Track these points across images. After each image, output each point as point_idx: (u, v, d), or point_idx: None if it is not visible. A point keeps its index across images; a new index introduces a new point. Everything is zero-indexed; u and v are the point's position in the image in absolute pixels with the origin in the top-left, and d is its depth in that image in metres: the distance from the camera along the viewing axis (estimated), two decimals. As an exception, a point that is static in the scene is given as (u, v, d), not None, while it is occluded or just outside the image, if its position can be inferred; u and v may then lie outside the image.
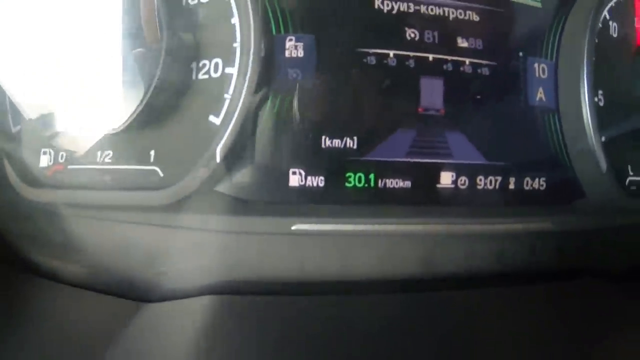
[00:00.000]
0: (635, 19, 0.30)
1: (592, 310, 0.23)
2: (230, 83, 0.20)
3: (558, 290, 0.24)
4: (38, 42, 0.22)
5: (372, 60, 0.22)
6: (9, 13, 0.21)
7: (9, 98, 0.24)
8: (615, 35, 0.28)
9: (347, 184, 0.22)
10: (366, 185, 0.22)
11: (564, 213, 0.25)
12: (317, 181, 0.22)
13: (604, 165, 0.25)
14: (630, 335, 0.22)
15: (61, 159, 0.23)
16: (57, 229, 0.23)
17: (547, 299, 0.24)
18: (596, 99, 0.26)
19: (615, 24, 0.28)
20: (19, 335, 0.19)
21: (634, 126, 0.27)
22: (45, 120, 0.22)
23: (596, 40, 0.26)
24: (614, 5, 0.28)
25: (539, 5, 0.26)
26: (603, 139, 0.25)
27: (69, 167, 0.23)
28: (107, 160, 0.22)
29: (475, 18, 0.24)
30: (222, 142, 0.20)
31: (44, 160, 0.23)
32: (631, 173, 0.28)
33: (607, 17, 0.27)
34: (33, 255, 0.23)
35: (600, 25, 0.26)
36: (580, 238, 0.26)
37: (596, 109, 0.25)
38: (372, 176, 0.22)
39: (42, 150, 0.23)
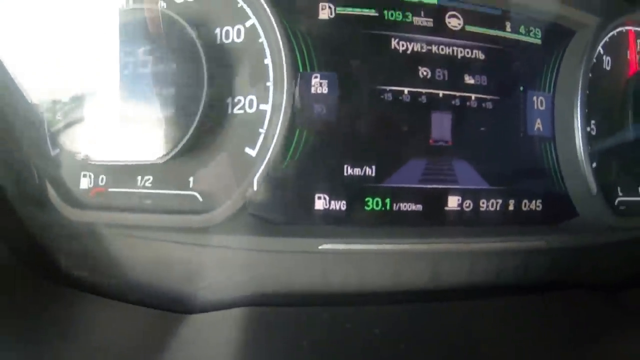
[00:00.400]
0: (629, 51, 0.36)
1: (583, 319, 0.29)
2: (264, 119, 0.26)
3: (553, 301, 0.31)
4: (87, 78, 0.26)
5: (388, 96, 0.28)
6: (61, 52, 0.26)
7: (47, 123, 0.28)
8: (608, 68, 0.35)
9: (366, 208, 0.28)
10: (383, 208, 0.28)
11: (557, 232, 0.31)
12: (340, 205, 0.28)
13: (594, 188, 0.31)
14: (619, 343, 0.28)
15: (101, 182, 0.28)
16: (99, 247, 0.28)
17: (543, 309, 0.30)
18: (589, 129, 0.32)
19: (608, 57, 0.35)
20: (66, 347, 0.24)
21: (624, 151, 0.33)
22: (87, 148, 0.27)
23: (590, 75, 0.32)
24: (607, 40, 0.34)
25: (538, 42, 0.32)
26: (594, 164, 0.32)
27: (110, 190, 0.28)
28: (147, 184, 0.27)
29: (481, 56, 0.30)
30: (259, 172, 0.25)
31: (84, 183, 0.28)
32: (620, 194, 0.35)
33: (601, 52, 0.34)
34: (76, 271, 0.28)
35: (594, 60, 0.33)
36: (573, 254, 0.32)
37: (588, 138, 0.32)
38: (388, 200, 0.28)
39: (82, 173, 0.28)
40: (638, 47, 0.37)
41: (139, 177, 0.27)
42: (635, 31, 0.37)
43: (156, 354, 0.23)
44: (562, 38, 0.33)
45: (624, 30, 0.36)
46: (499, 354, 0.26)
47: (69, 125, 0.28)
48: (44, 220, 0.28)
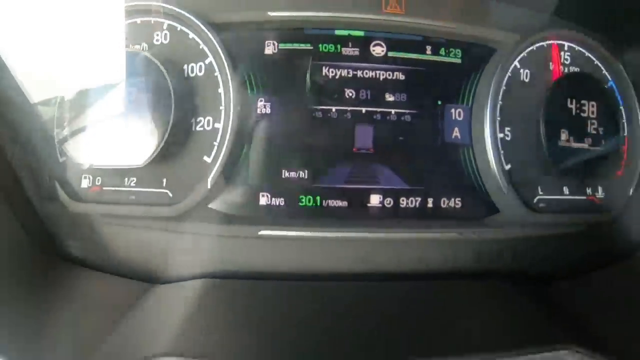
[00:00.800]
0: (552, 63, 0.48)
1: (500, 307, 0.40)
2: (217, 134, 0.41)
3: (475, 289, 0.43)
4: (85, 105, 0.43)
5: (319, 114, 0.43)
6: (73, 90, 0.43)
7: (56, 136, 0.45)
8: (526, 80, 0.47)
9: (300, 204, 0.43)
10: (314, 204, 0.43)
11: (478, 226, 0.44)
12: (279, 201, 0.43)
13: (505, 187, 0.44)
14: (533, 330, 0.38)
15: (98, 182, 0.44)
16: (95, 231, 0.44)
17: (463, 295, 0.42)
18: (502, 135, 0.44)
19: (527, 70, 0.47)
20: (65, 306, 0.40)
21: (542, 155, 0.45)
22: (86, 157, 0.44)
23: (504, 87, 0.45)
24: (525, 55, 0.47)
25: (459, 61, 0.45)
26: (508, 166, 0.44)
27: (104, 188, 0.44)
28: (132, 184, 0.43)
29: (401, 77, 0.44)
30: (212, 175, 0.41)
31: (85, 183, 0.45)
32: (541, 193, 0.47)
33: (518, 66, 0.46)
34: (76, 250, 0.44)
35: (509, 74, 0.45)
36: (496, 246, 0.45)
37: (502, 143, 0.44)
38: (318, 198, 0.43)
39: (83, 175, 0.45)
40: (562, 59, 0.49)
41: (126, 179, 0.43)
42: (559, 44, 0.49)
43: (134, 311, 0.39)
44: (483, 56, 0.46)
45: (545, 45, 0.48)
46: (413, 330, 0.38)
47: (72, 138, 0.45)
48: (53, 211, 0.45)
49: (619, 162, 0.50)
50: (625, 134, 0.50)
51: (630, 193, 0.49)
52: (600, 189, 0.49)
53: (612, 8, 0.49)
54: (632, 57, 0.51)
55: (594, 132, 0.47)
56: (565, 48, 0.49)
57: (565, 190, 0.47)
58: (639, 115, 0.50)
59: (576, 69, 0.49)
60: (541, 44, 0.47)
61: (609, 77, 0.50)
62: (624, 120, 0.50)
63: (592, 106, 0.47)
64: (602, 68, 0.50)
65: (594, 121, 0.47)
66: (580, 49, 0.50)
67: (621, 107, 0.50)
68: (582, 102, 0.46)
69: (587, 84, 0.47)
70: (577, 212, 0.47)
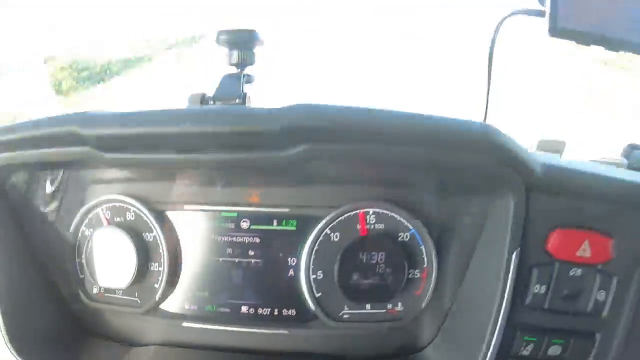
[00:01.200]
0: (358, 225, 0.99)
1: None
2: (161, 273, 1.00)
3: None
4: (94, 255, 1.05)
5: (219, 260, 1.00)
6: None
7: (78, 266, 1.08)
8: (336, 239, 0.98)
9: (205, 309, 1.01)
10: (212, 310, 1.00)
11: (307, 327, 0.99)
12: (194, 307, 1.01)
13: (314, 307, 0.98)
14: None
15: (102, 291, 1.06)
16: (101, 318, 1.07)
17: None
18: (315, 276, 0.97)
19: (337, 233, 0.98)
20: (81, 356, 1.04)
21: (340, 284, 0.97)
22: (93, 278, 1.06)
23: (317, 247, 0.97)
24: (336, 223, 0.98)
25: (294, 228, 0.98)
26: (319, 294, 0.98)
27: (106, 295, 1.06)
28: (119, 294, 1.04)
29: (258, 240, 0.98)
30: (158, 293, 1.00)
31: (95, 290, 1.06)
32: (346, 309, 1.00)
33: (328, 232, 0.97)
34: (89, 326, 1.08)
35: (321, 238, 0.97)
36: (317, 339, 1.01)
37: (314, 281, 0.97)
38: (214, 307, 1.00)
39: (93, 286, 1.07)
40: (368, 221, 0.99)
41: (116, 291, 1.03)
42: (365, 212, 0.98)
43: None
44: (309, 224, 0.98)
45: (352, 214, 0.98)
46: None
47: (86, 268, 1.07)
48: (78, 306, 1.05)
49: (419, 285, 1.00)
50: (425, 265, 1.00)
51: (423, 306, 0.98)
52: (400, 304, 0.98)
53: (409, 181, 0.98)
54: (427, 211, 1.01)
55: (382, 271, 0.97)
56: (371, 213, 0.98)
57: (368, 306, 0.97)
58: (432, 253, 0.98)
59: (381, 226, 0.99)
60: (348, 213, 0.97)
61: (410, 227, 0.99)
62: (424, 257, 1.00)
63: (381, 254, 0.96)
64: (405, 221, 0.99)
65: (382, 265, 0.97)
66: (384, 211, 0.98)
67: (422, 247, 1.00)
68: (373, 253, 0.97)
69: (382, 237, 0.97)
70: (377, 321, 0.97)
